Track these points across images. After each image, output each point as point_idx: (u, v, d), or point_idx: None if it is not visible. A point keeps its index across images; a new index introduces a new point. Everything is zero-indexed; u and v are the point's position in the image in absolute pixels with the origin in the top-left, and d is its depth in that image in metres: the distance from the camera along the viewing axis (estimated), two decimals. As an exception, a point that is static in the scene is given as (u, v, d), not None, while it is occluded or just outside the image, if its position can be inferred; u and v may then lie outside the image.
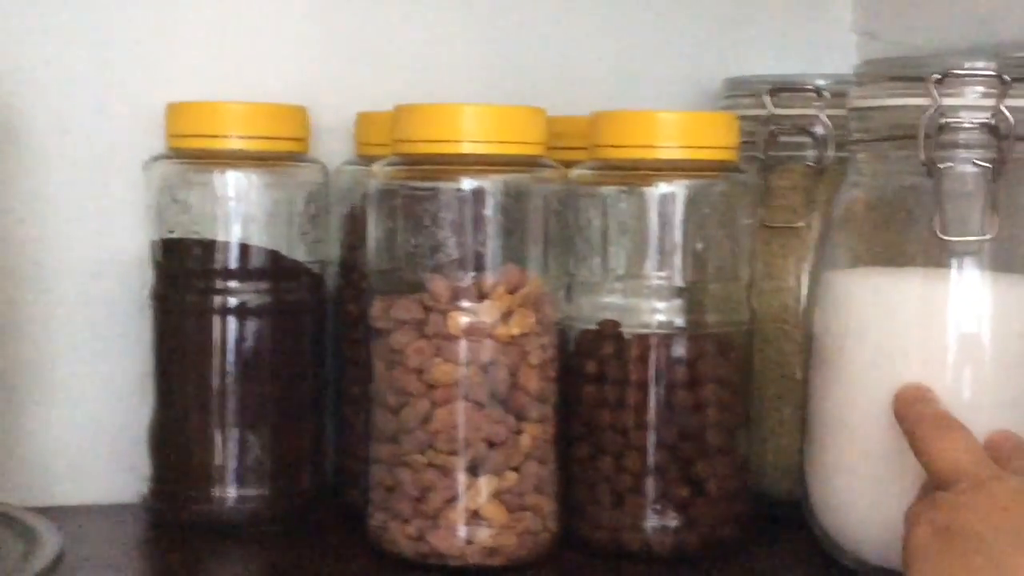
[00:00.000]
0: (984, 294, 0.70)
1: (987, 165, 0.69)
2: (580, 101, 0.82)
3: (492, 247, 0.73)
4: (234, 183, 0.79)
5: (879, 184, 0.73)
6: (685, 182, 0.76)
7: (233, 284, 0.79)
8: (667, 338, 0.76)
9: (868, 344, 0.71)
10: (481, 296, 0.73)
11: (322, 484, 0.83)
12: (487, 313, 0.73)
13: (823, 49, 0.96)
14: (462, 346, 0.72)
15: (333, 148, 0.86)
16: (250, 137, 0.79)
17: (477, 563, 0.73)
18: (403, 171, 0.74)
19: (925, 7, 0.92)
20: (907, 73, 0.71)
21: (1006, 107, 0.68)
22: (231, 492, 0.79)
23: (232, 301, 0.79)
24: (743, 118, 0.80)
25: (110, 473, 0.85)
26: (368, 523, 0.75)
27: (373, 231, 0.75)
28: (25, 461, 0.84)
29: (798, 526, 0.77)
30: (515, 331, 0.73)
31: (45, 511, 0.74)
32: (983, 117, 0.69)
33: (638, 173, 0.76)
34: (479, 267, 0.73)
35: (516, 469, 0.73)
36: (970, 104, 0.69)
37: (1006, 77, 0.68)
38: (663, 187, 0.75)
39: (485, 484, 0.73)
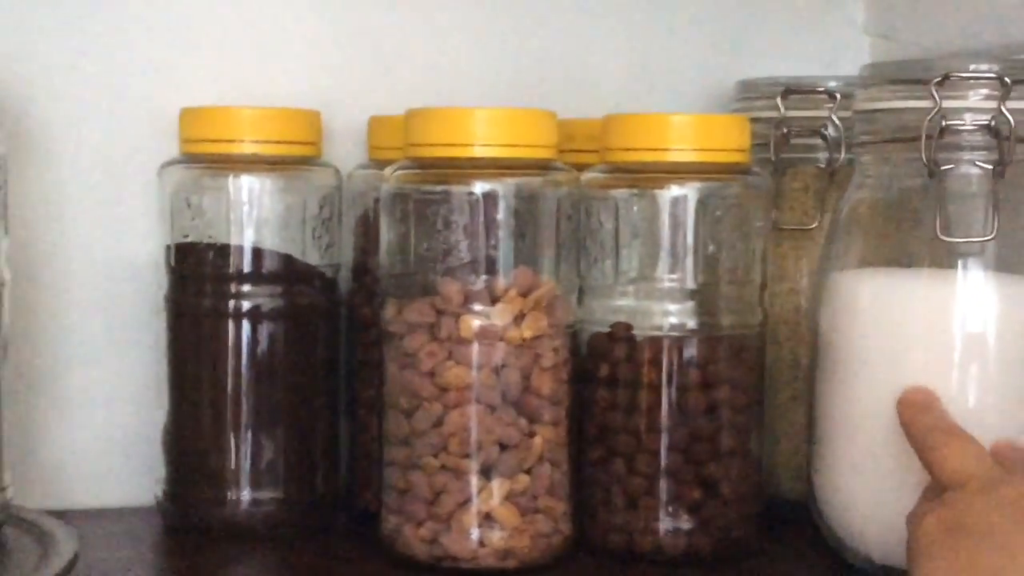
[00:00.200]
0: (988, 294, 0.70)
1: (989, 167, 0.69)
2: (592, 104, 0.83)
3: (504, 250, 0.73)
4: (247, 187, 0.80)
5: (884, 186, 0.74)
6: (697, 185, 0.76)
7: (247, 288, 0.80)
8: (679, 340, 0.76)
9: (873, 344, 0.71)
10: (493, 299, 0.73)
11: (335, 487, 0.83)
12: (499, 316, 0.73)
13: (836, 51, 0.96)
14: (474, 349, 0.72)
15: (346, 152, 0.86)
16: (263, 141, 0.80)
17: (490, 566, 0.73)
18: (415, 175, 0.74)
19: (938, 8, 0.92)
20: (910, 76, 0.71)
21: (1007, 109, 0.69)
22: (245, 495, 0.79)
23: (246, 305, 0.79)
24: (755, 120, 0.80)
25: (125, 476, 0.85)
26: (381, 526, 0.76)
27: (386, 235, 0.75)
28: (41, 464, 0.84)
29: (812, 527, 0.77)
30: (527, 334, 0.73)
31: (61, 514, 0.74)
32: (985, 119, 0.69)
33: (650, 176, 0.76)
34: (491, 270, 0.73)
35: (529, 472, 0.73)
36: (972, 106, 0.69)
37: (1007, 79, 0.69)
38: (675, 190, 0.76)
39: (498, 487, 0.73)
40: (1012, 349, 0.70)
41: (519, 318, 0.73)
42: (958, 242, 0.70)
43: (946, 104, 0.69)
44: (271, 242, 0.80)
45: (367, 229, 0.83)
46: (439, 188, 0.73)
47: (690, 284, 0.76)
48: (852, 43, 0.97)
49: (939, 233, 0.69)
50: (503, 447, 0.73)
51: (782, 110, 0.84)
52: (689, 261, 0.76)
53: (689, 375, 0.76)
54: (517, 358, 0.73)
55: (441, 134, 0.73)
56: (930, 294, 0.71)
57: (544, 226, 0.74)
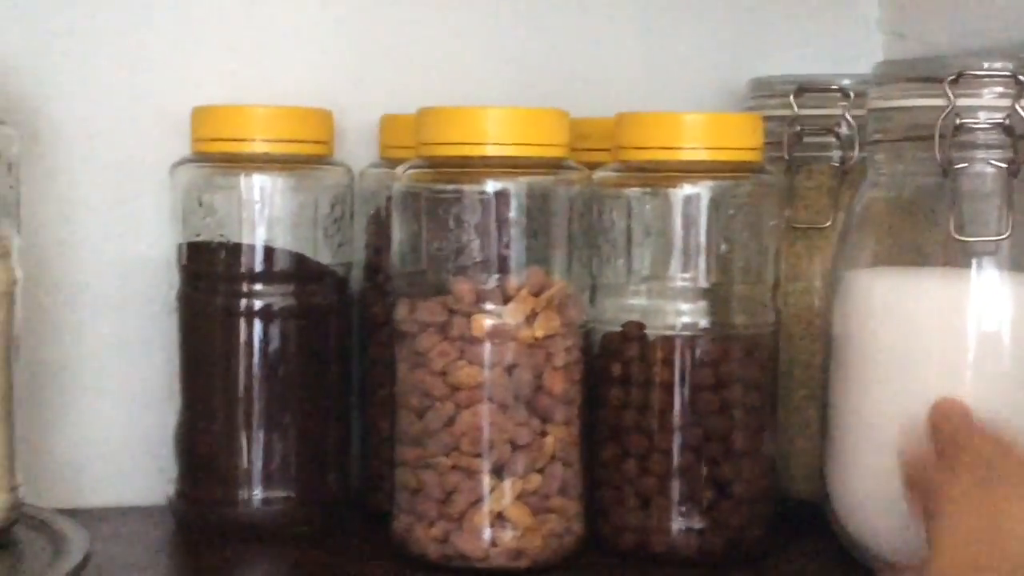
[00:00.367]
0: (1002, 293, 0.70)
1: (1003, 165, 0.69)
2: (604, 103, 0.82)
3: (516, 249, 0.73)
4: (259, 186, 0.80)
5: (898, 184, 0.74)
6: (710, 183, 0.75)
7: (258, 287, 0.80)
8: (692, 340, 0.76)
9: (887, 343, 0.71)
10: (505, 298, 0.73)
11: (347, 486, 0.83)
12: (511, 315, 0.73)
13: (849, 49, 0.96)
14: (486, 348, 0.72)
15: (358, 151, 0.86)
16: (275, 140, 0.80)
17: (502, 565, 0.73)
18: (427, 174, 0.74)
19: (952, 6, 0.91)
20: (923, 74, 0.71)
21: (1021, 107, 0.69)
22: (257, 494, 0.79)
23: (257, 304, 0.79)
24: (768, 119, 0.80)
25: (137, 475, 0.85)
26: (393, 525, 0.76)
27: (397, 234, 0.75)
28: (53, 463, 0.84)
29: (825, 527, 0.77)
30: (539, 333, 0.73)
31: (73, 513, 0.75)
32: (999, 117, 0.69)
33: (662, 175, 0.76)
34: (503, 269, 0.73)
35: (541, 471, 0.73)
36: (986, 104, 0.69)
37: (1021, 78, 0.69)
38: (687, 188, 0.75)
39: (510, 486, 0.73)
40: (1026, 347, 0.69)
41: (531, 317, 0.73)
42: (972, 241, 0.69)
43: (960, 102, 0.69)
44: (283, 241, 0.80)
45: (379, 228, 0.83)
46: (451, 187, 0.73)
47: (703, 283, 0.76)
48: (866, 41, 0.97)
49: (953, 232, 0.69)
50: (515, 446, 0.73)
51: (795, 108, 0.83)
52: (702, 260, 0.75)
53: (702, 374, 0.75)
54: (529, 357, 0.73)
55: (453, 133, 0.73)
56: (944, 293, 0.71)
57: (556, 225, 0.74)
